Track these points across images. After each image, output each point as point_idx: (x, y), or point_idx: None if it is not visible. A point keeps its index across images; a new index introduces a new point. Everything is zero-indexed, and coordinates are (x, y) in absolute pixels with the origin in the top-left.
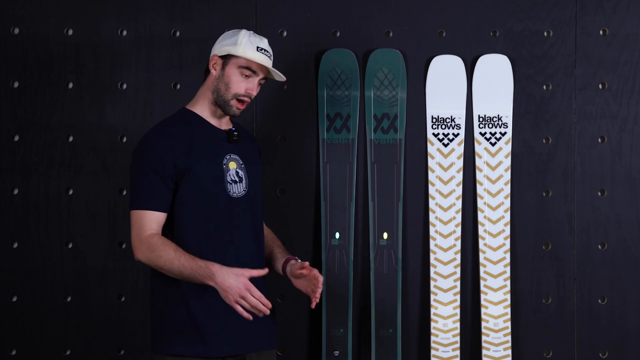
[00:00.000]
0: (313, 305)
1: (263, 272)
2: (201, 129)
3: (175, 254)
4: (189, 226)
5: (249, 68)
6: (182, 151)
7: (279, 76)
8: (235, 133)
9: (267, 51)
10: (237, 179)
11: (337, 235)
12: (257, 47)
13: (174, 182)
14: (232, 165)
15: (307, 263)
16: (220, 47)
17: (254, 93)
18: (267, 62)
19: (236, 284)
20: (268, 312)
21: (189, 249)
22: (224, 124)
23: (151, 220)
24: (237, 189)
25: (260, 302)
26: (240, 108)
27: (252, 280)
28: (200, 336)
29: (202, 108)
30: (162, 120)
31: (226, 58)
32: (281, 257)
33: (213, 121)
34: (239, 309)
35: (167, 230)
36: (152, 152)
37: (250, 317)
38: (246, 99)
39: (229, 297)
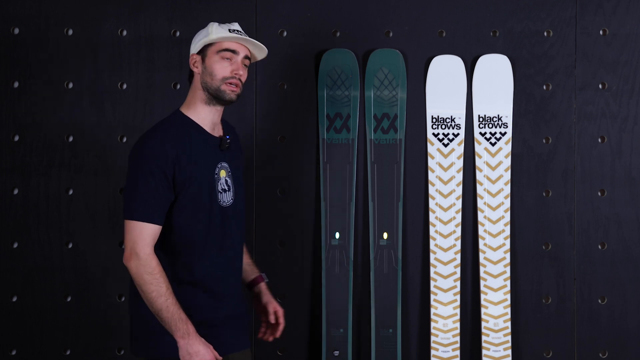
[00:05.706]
0: (270, 338)
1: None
2: (197, 136)
3: (167, 291)
4: (184, 234)
5: (228, 49)
6: (182, 160)
7: (261, 50)
8: (228, 140)
9: (240, 31)
10: (225, 188)
11: (337, 235)
12: (229, 30)
13: (173, 192)
14: (222, 174)
15: (281, 314)
16: (194, 45)
17: (241, 72)
18: (242, 39)
19: (204, 352)
20: None
21: (182, 257)
22: (217, 131)
23: (149, 234)
24: (226, 198)
25: None
26: (234, 90)
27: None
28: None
29: (196, 112)
30: (160, 124)
31: (203, 51)
32: (250, 270)
33: (207, 127)
34: None
35: (160, 236)
36: (154, 160)
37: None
38: (234, 80)
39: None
